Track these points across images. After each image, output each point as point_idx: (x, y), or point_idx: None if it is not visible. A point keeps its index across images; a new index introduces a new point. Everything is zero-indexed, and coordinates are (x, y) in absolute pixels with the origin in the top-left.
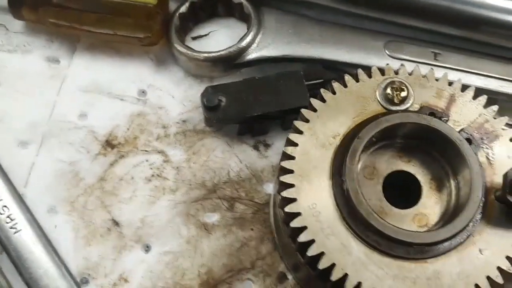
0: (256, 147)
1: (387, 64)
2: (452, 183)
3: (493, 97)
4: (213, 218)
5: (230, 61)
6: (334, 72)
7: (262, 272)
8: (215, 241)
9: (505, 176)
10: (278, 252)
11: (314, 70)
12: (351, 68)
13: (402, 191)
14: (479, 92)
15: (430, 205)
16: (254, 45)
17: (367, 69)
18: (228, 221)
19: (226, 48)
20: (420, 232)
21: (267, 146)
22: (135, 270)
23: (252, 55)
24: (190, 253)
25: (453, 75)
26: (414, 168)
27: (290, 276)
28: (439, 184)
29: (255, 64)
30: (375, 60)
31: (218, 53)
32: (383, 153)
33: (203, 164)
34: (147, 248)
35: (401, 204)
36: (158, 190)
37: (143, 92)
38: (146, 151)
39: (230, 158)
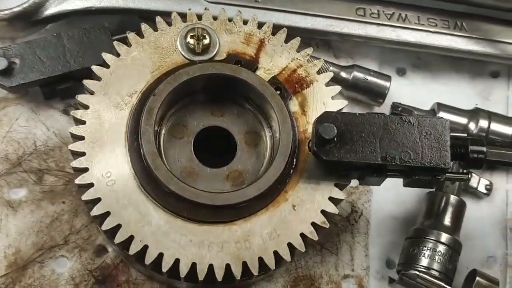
0: (66, 112)
1: (206, 9)
2: (267, 136)
3: (325, 38)
4: (19, 194)
5: (27, 18)
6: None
7: (77, 247)
8: (22, 219)
9: (314, 124)
10: (96, 224)
11: (129, 23)
12: (169, 17)
13: (217, 149)
14: (307, 33)
15: (246, 161)
16: None
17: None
18: (37, 195)
19: (20, 4)
20: (223, 192)
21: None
22: None
23: (51, 9)
24: None
25: (277, 17)
26: (227, 123)
27: (110, 248)
28: (255, 138)
29: (58, 19)
30: (193, 7)
31: (11, 11)
32: (193, 109)
33: (5, 136)
34: None
35: (218, 163)
36: None
37: None
38: None
39: (36, 126)
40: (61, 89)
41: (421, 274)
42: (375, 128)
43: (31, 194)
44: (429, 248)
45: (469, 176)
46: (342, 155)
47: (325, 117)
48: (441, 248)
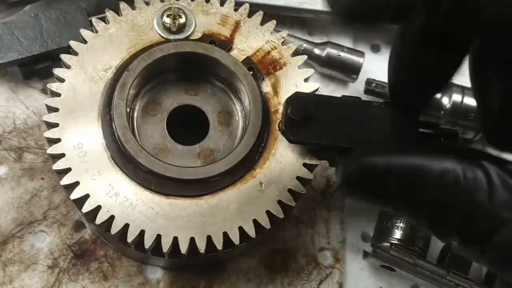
0: (45, 91)
1: None
2: (239, 116)
3: (299, 16)
4: None
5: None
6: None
7: (56, 222)
8: (2, 195)
9: (284, 104)
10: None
11: (107, 4)
12: None
13: (191, 127)
14: (281, 11)
15: (217, 139)
16: None
17: None
18: (17, 172)
19: None
20: (190, 167)
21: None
22: None
23: None
24: None
25: None
26: (201, 102)
27: (88, 224)
28: (228, 118)
29: (36, 1)
30: None
31: None
32: (167, 87)
33: None
34: None
35: (191, 141)
36: None
37: None
38: None
39: (15, 105)
40: (40, 68)
41: (393, 246)
42: (346, 111)
43: (11, 172)
44: (402, 221)
45: None
46: (311, 136)
47: (295, 98)
48: None
